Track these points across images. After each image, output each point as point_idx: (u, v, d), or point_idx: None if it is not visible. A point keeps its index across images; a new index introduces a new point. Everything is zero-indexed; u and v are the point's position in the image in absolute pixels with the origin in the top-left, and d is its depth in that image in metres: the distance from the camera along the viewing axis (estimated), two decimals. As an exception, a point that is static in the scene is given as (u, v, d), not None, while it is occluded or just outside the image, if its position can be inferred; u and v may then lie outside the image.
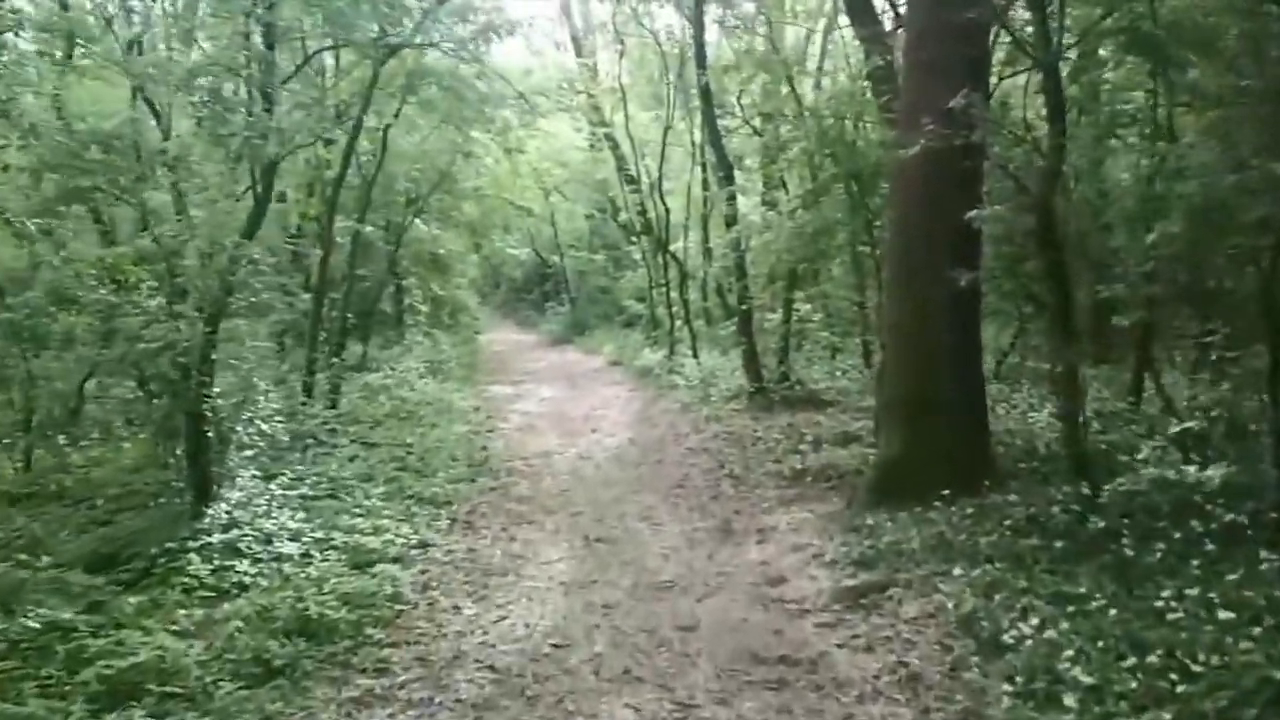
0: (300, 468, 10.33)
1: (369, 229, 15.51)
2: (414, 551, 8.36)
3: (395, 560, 8.01)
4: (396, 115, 15.41)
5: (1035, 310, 9.23)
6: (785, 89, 13.87)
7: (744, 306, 15.49)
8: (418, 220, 22.43)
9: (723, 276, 20.31)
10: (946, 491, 8.20)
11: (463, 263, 32.15)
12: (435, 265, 24.73)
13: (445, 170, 21.06)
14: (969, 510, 7.89)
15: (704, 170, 21.55)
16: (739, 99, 17.99)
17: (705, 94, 16.21)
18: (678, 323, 21.04)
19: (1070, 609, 5.95)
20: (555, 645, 6.37)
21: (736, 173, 17.25)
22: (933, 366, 8.87)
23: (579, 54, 26.80)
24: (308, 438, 11.90)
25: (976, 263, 8.80)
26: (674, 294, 21.16)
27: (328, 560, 7.71)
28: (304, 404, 12.66)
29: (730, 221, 15.96)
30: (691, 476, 11.25)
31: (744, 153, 20.46)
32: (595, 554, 8.41)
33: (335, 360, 14.11)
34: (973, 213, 7.65)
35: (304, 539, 8.06)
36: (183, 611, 6.69)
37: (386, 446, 12.27)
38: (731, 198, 15.86)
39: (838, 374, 16.83)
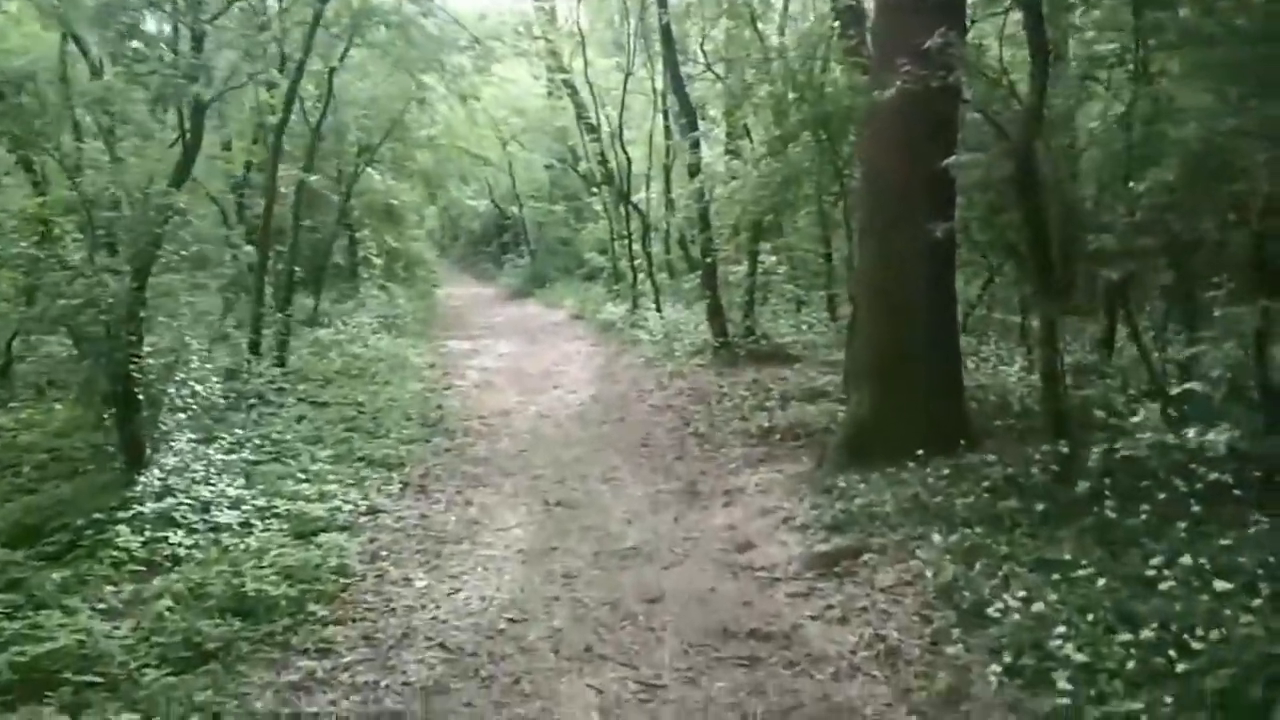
0: (243, 430, 9.80)
1: (314, 178, 14.81)
2: (363, 519, 7.91)
3: (343, 528, 7.57)
4: (342, 59, 14.68)
5: (1010, 261, 8.85)
6: (749, 33, 13.28)
7: (708, 259, 15.05)
8: (370, 170, 21.73)
9: (686, 228, 19.85)
10: (920, 451, 7.88)
11: (418, 214, 31.43)
12: (389, 216, 24.03)
13: (397, 118, 20.33)
14: (944, 471, 7.58)
15: (666, 118, 20.99)
16: (701, 45, 17.42)
17: (666, 35, 15.63)
18: (640, 275, 20.58)
19: (1055, 577, 5.65)
20: (512, 620, 5.98)
21: (700, 122, 16.71)
22: (905, 320, 8.51)
23: (537, -5, 25.94)
24: (253, 397, 11.36)
25: (951, 212, 8.43)
26: (636, 246, 20.67)
27: (269, 530, 7.25)
28: (249, 362, 12.08)
29: (694, 171, 15.46)
30: (655, 435, 10.87)
31: (707, 100, 19.94)
32: (555, 519, 8.02)
33: (281, 315, 13.48)
34: (950, 159, 7.25)
35: (244, 507, 7.57)
36: (110, 588, 6.22)
37: (336, 406, 11.76)
38: (695, 145, 15.36)
39: (803, 327, 16.50)
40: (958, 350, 8.98)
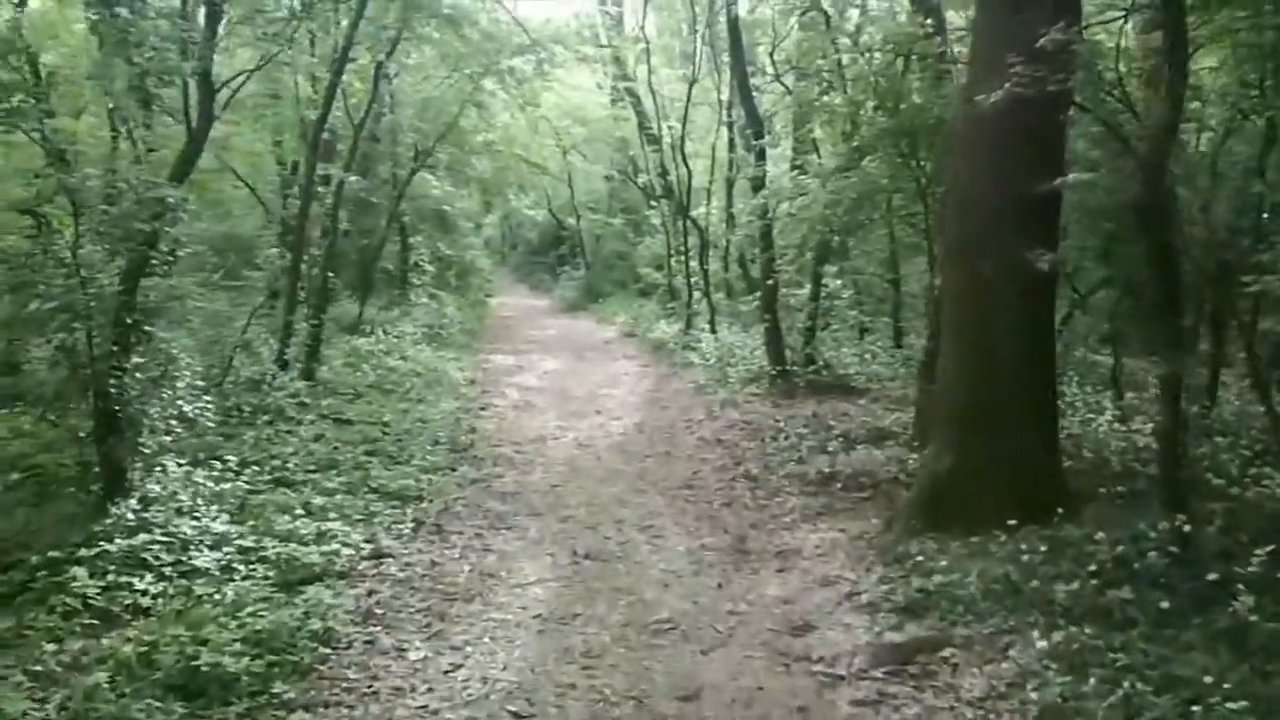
0: (250, 450, 8.92)
1: (353, 179, 13.95)
2: (364, 564, 6.93)
3: (339, 576, 6.62)
4: (390, 54, 13.86)
5: (1131, 301, 7.67)
6: (824, 41, 12.18)
7: (769, 280, 13.96)
8: (426, 174, 21.05)
9: (747, 246, 18.80)
10: (1011, 521, 6.74)
11: (470, 221, 30.71)
12: (441, 223, 23.28)
13: (453, 121, 19.58)
14: (1040, 545, 6.40)
15: (730, 130, 20.04)
16: (771, 55, 16.45)
17: (735, 37, 14.56)
18: (696, 294, 19.55)
19: (1192, 705, 4.51)
20: (515, 715, 4.95)
21: (765, 135, 15.64)
22: (995, 361, 7.36)
23: (602, 1, 25.10)
24: (271, 412, 10.51)
25: (1054, 240, 7.30)
26: (693, 263, 19.66)
27: (252, 577, 6.28)
28: (271, 375, 11.25)
29: (757, 185, 14.39)
30: (703, 475, 9.81)
31: (774, 113, 18.95)
32: (582, 575, 6.99)
33: (309, 323, 12.63)
34: (1070, 177, 6.11)
35: (228, 547, 6.61)
36: (52, 645, 5.29)
37: (360, 425, 10.84)
38: (760, 155, 14.27)
39: (866, 357, 15.35)
40: (1055, 399, 7.79)
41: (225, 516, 7.07)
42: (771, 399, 13.27)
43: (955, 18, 11.22)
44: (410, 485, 8.83)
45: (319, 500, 7.84)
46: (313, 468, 8.94)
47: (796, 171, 14.89)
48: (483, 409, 13.07)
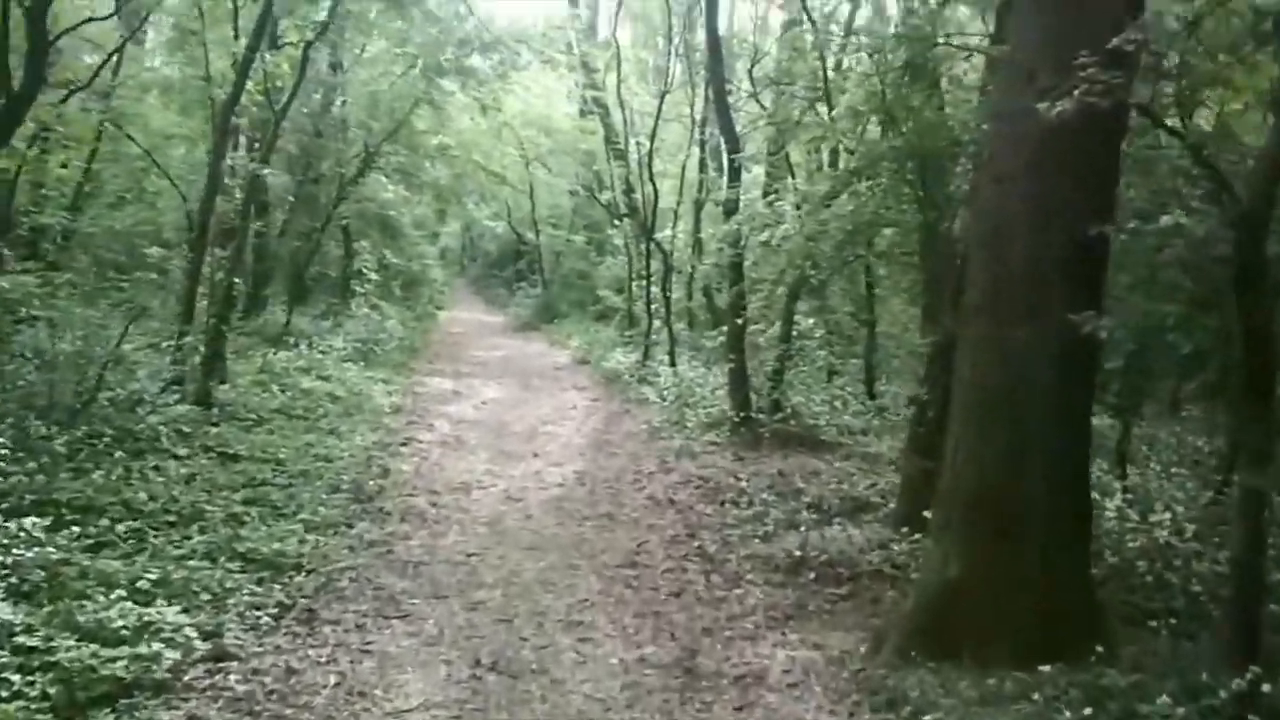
0: (90, 496, 7.20)
1: (267, 171, 12.25)
2: (193, 673, 5.24)
3: (155, 690, 4.96)
4: (322, 33, 12.22)
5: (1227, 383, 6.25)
6: (816, 45, 10.75)
7: (738, 319, 12.45)
8: (380, 176, 19.50)
9: (714, 275, 17.35)
10: (1035, 654, 5.27)
11: (424, 229, 29.12)
12: (384, 228, 21.61)
13: (404, 119, 18.01)
14: (1078, 697, 4.92)
15: (702, 150, 18.69)
16: (750, 70, 15.11)
17: (713, 38, 13.10)
18: (656, 322, 18.05)
19: None
20: None
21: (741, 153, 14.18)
22: (1027, 448, 5.83)
23: (573, 2, 23.63)
24: (140, 442, 8.81)
25: (1099, 299, 5.87)
26: (655, 289, 18.15)
27: (25, 695, 4.60)
28: (145, 399, 9.53)
29: (730, 209, 12.92)
30: (650, 548, 8.23)
31: (748, 134, 17.59)
32: (483, 698, 5.35)
33: (206, 336, 10.91)
34: (1164, 220, 4.64)
35: (3, 648, 4.92)
36: None
37: (249, 462, 9.17)
38: (735, 174, 12.81)
39: (837, 405, 13.96)
40: (1089, 496, 6.30)
41: (25, 598, 5.36)
42: (733, 449, 11.83)
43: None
44: (289, 550, 7.15)
45: (156, 572, 6.11)
46: (172, 520, 7.27)
47: (773, 196, 13.47)
48: (403, 444, 11.41)
